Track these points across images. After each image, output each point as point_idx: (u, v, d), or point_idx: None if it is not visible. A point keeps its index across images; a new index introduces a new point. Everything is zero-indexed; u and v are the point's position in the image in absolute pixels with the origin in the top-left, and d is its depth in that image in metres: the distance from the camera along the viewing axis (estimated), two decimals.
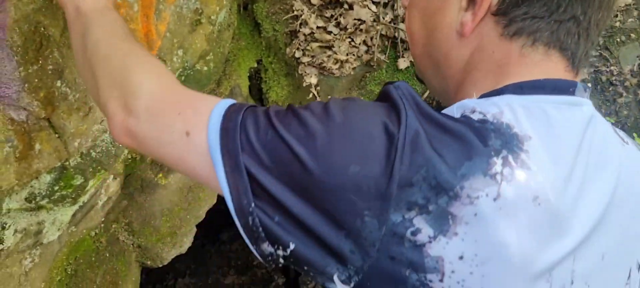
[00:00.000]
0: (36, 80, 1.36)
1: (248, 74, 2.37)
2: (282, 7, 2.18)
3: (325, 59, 2.01)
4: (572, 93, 0.77)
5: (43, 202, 1.69)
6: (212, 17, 1.87)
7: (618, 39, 2.15)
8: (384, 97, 0.76)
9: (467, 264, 0.68)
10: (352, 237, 0.69)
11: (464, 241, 0.68)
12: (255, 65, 2.39)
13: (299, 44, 2.09)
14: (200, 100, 0.84)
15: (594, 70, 2.11)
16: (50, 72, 1.38)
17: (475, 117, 0.74)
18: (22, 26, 1.24)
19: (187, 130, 0.80)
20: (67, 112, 1.49)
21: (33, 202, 1.65)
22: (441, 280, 0.68)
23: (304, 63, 2.10)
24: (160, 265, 2.36)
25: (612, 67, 2.07)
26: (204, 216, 2.45)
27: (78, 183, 1.72)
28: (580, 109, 0.78)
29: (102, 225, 2.12)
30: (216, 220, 4.24)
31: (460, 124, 0.71)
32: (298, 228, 0.72)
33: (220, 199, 2.49)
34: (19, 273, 1.82)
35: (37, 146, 1.49)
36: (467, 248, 0.68)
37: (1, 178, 1.43)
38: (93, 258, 2.11)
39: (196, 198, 2.42)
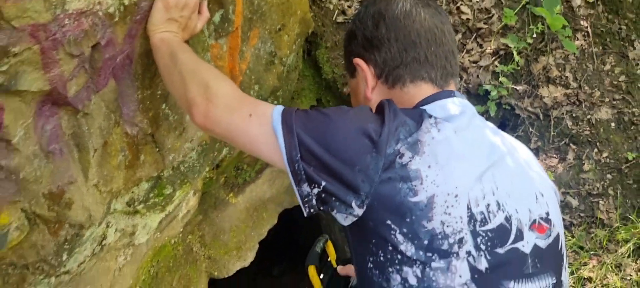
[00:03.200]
0: (148, 102, 1.66)
1: None
2: (340, 53, 2.50)
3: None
4: (454, 95, 1.32)
5: (139, 207, 1.96)
6: (284, 59, 2.17)
7: (639, 85, 2.36)
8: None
9: (433, 169, 1.13)
10: (363, 171, 1.12)
11: (429, 156, 1.14)
12: (315, 103, 2.71)
13: None
14: (258, 101, 1.32)
15: (617, 112, 2.31)
16: (158, 96, 1.68)
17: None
18: (143, 59, 1.55)
19: (250, 113, 1.24)
20: (167, 130, 1.79)
21: (132, 206, 1.92)
22: (422, 183, 1.12)
23: None
24: (226, 276, 2.63)
25: (634, 109, 2.27)
26: (265, 234, 2.72)
27: (168, 192, 2.01)
28: (466, 105, 1.31)
29: (180, 235, 2.39)
30: (268, 256, 4.46)
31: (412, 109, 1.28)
32: (326, 172, 1.15)
33: (271, 235, 2.71)
34: (114, 268, 2.09)
35: (142, 157, 1.78)
36: (431, 160, 1.14)
37: (113, 181, 1.71)
38: (171, 264, 2.37)
39: (260, 218, 2.69)
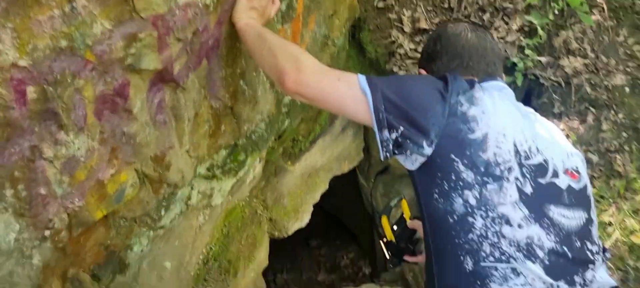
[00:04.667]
0: (229, 79, 1.85)
1: None
2: (382, 35, 2.69)
3: (417, 72, 2.49)
4: (496, 80, 1.57)
5: (217, 172, 2.17)
6: (335, 41, 2.36)
7: None
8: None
9: (486, 115, 1.38)
10: (434, 116, 1.37)
11: (481, 106, 1.38)
12: None
13: (396, 61, 2.60)
14: (341, 70, 1.51)
15: (632, 78, 2.46)
16: (238, 73, 1.88)
17: None
18: (228, 42, 1.75)
19: (338, 78, 1.45)
20: (243, 103, 1.98)
21: (211, 171, 2.13)
22: (478, 124, 1.37)
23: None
24: (285, 236, 2.85)
25: None
26: (319, 199, 2.94)
27: (241, 159, 2.22)
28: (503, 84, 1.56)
29: (247, 199, 2.61)
30: (306, 231, 4.65)
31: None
32: (405, 119, 1.38)
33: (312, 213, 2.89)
34: (195, 226, 2.32)
35: (223, 127, 1.98)
36: (483, 108, 1.38)
37: (200, 148, 1.91)
38: (239, 224, 2.59)
39: (314, 183, 2.90)
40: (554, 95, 2.52)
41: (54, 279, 1.55)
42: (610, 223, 2.21)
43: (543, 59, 2.54)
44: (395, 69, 2.62)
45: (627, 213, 2.17)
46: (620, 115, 2.43)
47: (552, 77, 2.53)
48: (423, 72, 1.68)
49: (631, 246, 2.20)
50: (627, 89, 2.47)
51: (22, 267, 1.42)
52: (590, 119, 2.45)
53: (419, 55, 2.66)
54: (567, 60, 2.51)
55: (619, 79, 2.44)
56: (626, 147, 2.36)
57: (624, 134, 2.41)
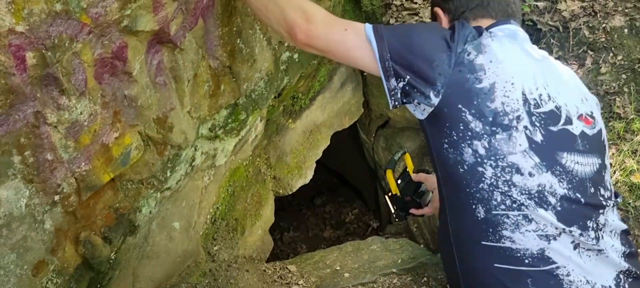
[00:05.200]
0: (226, 38, 1.85)
1: None
2: None
3: (413, 22, 2.49)
4: (510, 23, 1.52)
5: (219, 132, 2.17)
6: None
7: None
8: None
9: (494, 63, 1.37)
10: (439, 66, 1.37)
11: (489, 54, 1.37)
12: None
13: (392, 13, 2.59)
14: (348, 20, 1.52)
15: (630, 19, 2.44)
16: (234, 32, 1.87)
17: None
18: (223, 0, 1.76)
19: (345, 28, 1.46)
20: (241, 62, 1.99)
21: (213, 131, 2.13)
22: (485, 73, 1.37)
23: None
24: (290, 193, 2.88)
25: None
26: (321, 154, 2.96)
27: (242, 118, 2.22)
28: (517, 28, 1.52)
29: (250, 158, 2.61)
30: (311, 190, 4.68)
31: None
32: (409, 69, 1.39)
33: (315, 171, 2.90)
34: (201, 186, 2.34)
35: (222, 87, 1.98)
36: (491, 57, 1.37)
37: (201, 108, 1.93)
38: (244, 183, 2.61)
39: (315, 140, 2.91)
40: (551, 41, 2.51)
41: (66, 243, 1.58)
42: (610, 165, 2.23)
43: (540, 4, 2.52)
44: (392, 21, 2.60)
45: (626, 154, 2.19)
46: (619, 57, 2.42)
47: (550, 22, 2.51)
48: (438, 10, 1.64)
49: (631, 186, 2.22)
50: (625, 31, 2.45)
51: (35, 232, 1.45)
52: (588, 62, 2.44)
53: (415, 6, 2.66)
54: (565, 4, 2.49)
55: (618, 20, 2.43)
56: (625, 89, 2.36)
57: (623, 76, 2.40)
